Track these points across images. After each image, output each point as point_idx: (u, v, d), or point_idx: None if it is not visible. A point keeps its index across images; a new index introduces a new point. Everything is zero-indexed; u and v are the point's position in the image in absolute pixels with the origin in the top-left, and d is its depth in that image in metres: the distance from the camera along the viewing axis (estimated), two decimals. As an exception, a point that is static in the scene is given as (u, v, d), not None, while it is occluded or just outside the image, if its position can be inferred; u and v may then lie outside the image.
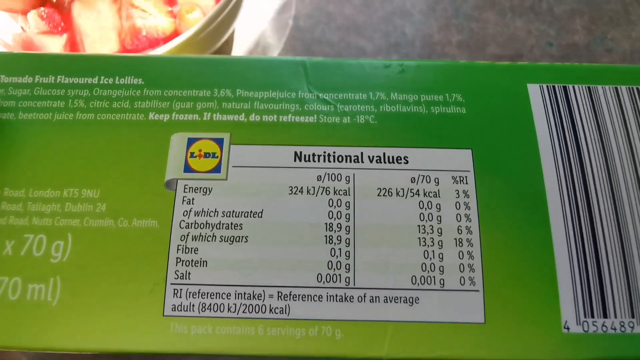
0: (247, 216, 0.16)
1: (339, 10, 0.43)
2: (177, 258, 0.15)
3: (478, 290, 0.15)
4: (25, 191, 0.16)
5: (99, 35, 0.35)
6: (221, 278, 0.15)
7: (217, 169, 0.16)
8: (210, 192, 0.16)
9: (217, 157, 0.16)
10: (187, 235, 0.15)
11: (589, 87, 0.17)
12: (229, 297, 0.15)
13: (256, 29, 0.42)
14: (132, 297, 0.15)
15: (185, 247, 0.15)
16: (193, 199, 0.16)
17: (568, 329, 0.14)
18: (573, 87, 0.17)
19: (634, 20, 0.40)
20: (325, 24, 0.42)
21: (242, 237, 0.15)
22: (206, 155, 0.16)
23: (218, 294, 0.15)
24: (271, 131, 0.17)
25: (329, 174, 0.16)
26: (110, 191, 0.16)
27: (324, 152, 0.16)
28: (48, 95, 0.17)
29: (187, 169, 0.16)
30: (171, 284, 0.15)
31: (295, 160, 0.16)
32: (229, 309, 0.15)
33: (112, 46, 0.35)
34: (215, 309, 0.15)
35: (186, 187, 0.16)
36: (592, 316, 0.14)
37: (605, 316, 0.14)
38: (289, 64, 0.18)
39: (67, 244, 0.15)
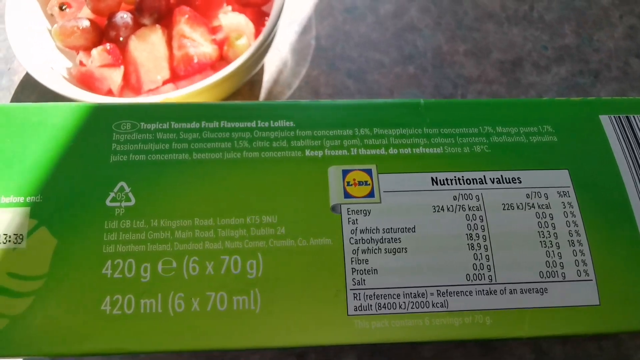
0: (403, 232, 0.19)
1: (355, 29, 0.47)
2: (352, 268, 0.19)
3: (591, 280, 0.19)
4: (214, 220, 0.19)
5: (153, 65, 0.38)
6: (390, 282, 0.19)
7: (371, 194, 0.20)
8: (369, 213, 0.20)
9: (369, 184, 0.20)
10: (357, 249, 0.19)
11: (645, 116, 0.22)
12: (398, 297, 0.19)
13: (282, 51, 0.46)
14: (320, 302, 0.19)
15: (358, 259, 0.19)
16: (357, 219, 0.19)
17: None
18: (634, 117, 0.22)
19: (614, 22, 0.46)
20: (344, 42, 0.46)
21: (402, 248, 0.19)
22: (360, 183, 0.20)
23: (390, 295, 0.19)
24: (408, 161, 0.20)
25: (462, 194, 0.20)
26: (286, 217, 0.19)
27: (455, 177, 0.20)
28: (215, 137, 0.21)
29: (347, 195, 0.20)
30: (350, 289, 0.19)
31: (433, 185, 0.20)
32: (399, 307, 0.19)
33: (164, 74, 0.38)
34: (389, 307, 0.19)
35: (349, 210, 0.20)
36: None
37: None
38: (409, 105, 0.22)
39: (259, 262, 0.19)
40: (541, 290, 0.19)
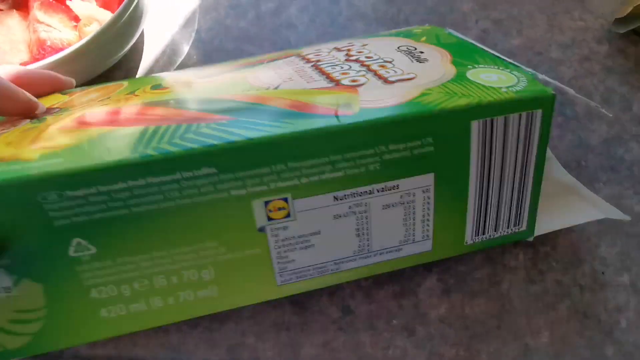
0: (312, 235, 0.28)
1: (235, 24, 0.50)
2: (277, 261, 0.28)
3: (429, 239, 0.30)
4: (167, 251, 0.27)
5: (10, 48, 0.38)
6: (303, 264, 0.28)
7: (288, 216, 0.27)
8: (287, 229, 0.28)
9: (286, 209, 0.27)
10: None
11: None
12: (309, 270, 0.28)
13: (162, 40, 0.49)
14: (261, 283, 0.29)
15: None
16: (278, 234, 0.28)
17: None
18: (496, 118, 0.28)
19: (469, 26, 0.50)
20: (223, 35, 0.49)
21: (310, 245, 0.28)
22: (279, 209, 0.27)
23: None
24: (315, 187, 0.27)
25: (355, 203, 0.28)
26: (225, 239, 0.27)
27: (352, 193, 0.28)
28: (147, 192, 0.25)
29: (269, 219, 0.27)
30: (278, 272, 0.28)
31: (334, 201, 0.28)
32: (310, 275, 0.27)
33: (22, 57, 0.38)
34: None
35: (272, 228, 0.27)
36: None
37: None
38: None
39: (210, 271, 0.27)
40: (398, 249, 0.30)
